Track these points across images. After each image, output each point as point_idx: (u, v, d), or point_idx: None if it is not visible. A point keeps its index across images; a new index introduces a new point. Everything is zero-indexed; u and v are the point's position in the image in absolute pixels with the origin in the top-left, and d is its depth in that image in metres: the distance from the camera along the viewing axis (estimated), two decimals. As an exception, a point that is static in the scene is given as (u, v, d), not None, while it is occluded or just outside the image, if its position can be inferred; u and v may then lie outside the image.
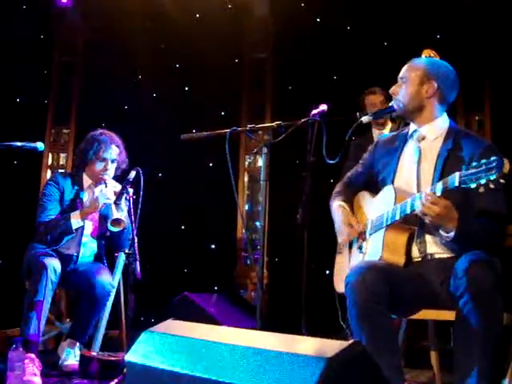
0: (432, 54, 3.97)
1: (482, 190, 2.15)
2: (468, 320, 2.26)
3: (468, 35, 5.34)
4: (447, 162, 2.57)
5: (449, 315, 2.45)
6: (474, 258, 2.33)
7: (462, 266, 2.31)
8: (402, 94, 2.74)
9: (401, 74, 2.78)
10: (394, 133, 3.01)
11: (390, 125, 4.51)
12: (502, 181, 2.10)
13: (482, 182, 2.12)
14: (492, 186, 2.12)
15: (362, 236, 2.83)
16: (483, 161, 2.14)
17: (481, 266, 2.28)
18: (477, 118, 5.31)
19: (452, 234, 2.37)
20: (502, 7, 5.11)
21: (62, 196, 3.84)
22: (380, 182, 2.85)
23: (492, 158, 2.12)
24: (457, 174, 2.23)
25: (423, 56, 3.94)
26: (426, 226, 2.58)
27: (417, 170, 2.68)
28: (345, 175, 4.40)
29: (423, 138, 2.73)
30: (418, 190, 2.58)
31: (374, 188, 2.89)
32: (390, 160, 2.82)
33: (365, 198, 2.94)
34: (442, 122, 2.74)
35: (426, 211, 2.34)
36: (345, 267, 2.88)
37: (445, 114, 2.76)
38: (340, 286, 2.71)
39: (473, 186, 2.16)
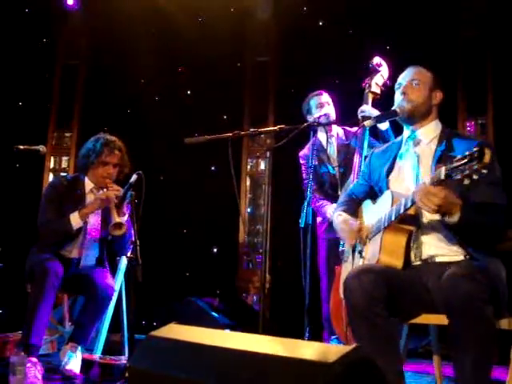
0: (382, 62, 4.11)
1: (466, 181, 2.15)
2: (457, 333, 2.25)
3: (470, 39, 5.34)
4: (441, 163, 2.57)
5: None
6: (459, 271, 2.32)
7: (448, 280, 2.31)
8: (416, 94, 2.75)
9: (411, 77, 2.79)
10: (388, 143, 3.03)
11: (336, 129, 4.48)
12: (483, 171, 2.11)
13: (466, 172, 2.14)
14: (475, 176, 2.13)
15: (363, 242, 2.84)
16: (466, 152, 2.17)
17: (466, 279, 2.25)
18: (480, 121, 5.30)
19: (456, 219, 2.36)
20: (504, 10, 5.11)
21: (62, 200, 3.83)
22: (378, 191, 2.87)
23: (474, 149, 2.14)
24: (443, 167, 2.26)
25: (374, 62, 4.08)
26: (423, 227, 2.59)
27: (416, 174, 2.69)
28: (307, 186, 4.37)
29: (419, 143, 2.77)
30: None
31: (375, 197, 2.91)
32: (384, 170, 2.85)
33: (367, 205, 2.95)
34: (436, 125, 2.79)
35: (427, 204, 2.33)
36: None
37: (438, 119, 2.81)
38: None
39: (458, 177, 2.18)
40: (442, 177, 2.25)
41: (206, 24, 6.08)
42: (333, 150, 4.41)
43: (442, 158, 2.60)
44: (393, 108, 2.83)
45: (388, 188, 2.77)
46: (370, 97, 4.02)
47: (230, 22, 5.92)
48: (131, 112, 6.32)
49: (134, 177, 3.52)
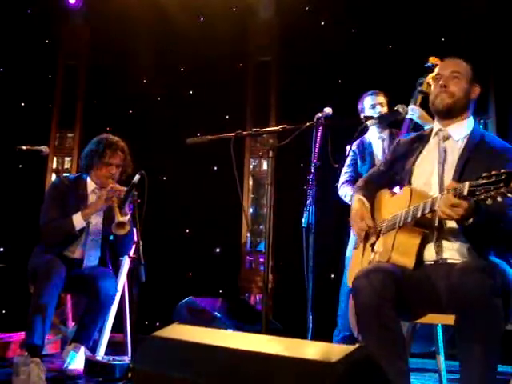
0: (438, 62, 4.03)
1: (489, 201, 2.13)
2: (464, 329, 2.25)
3: (472, 38, 5.33)
4: (467, 166, 2.53)
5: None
6: (466, 266, 2.31)
7: (455, 275, 2.30)
8: (457, 87, 2.66)
9: (453, 68, 2.69)
10: (416, 133, 2.96)
11: (387, 129, 4.45)
12: (509, 195, 2.08)
13: (490, 193, 2.11)
14: (499, 198, 2.10)
15: (375, 234, 2.80)
16: (493, 172, 2.12)
17: (473, 274, 2.24)
18: (482, 121, 5.29)
19: (471, 220, 2.32)
20: (505, 10, 5.11)
21: (65, 200, 3.84)
22: (398, 182, 2.83)
23: (502, 171, 2.10)
24: (467, 183, 2.21)
25: (430, 62, 3.97)
26: (438, 231, 2.56)
27: (441, 170, 2.64)
28: (343, 179, 4.38)
29: (448, 138, 2.70)
30: (441, 191, 2.53)
31: (395, 187, 2.87)
32: (407, 161, 2.78)
33: (385, 196, 2.89)
34: (469, 123, 2.71)
35: (450, 214, 2.30)
36: (358, 263, 2.85)
37: (472, 117, 2.74)
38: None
39: (481, 196, 2.14)
40: (465, 192, 2.20)
41: (208, 23, 6.08)
42: (378, 150, 4.38)
43: (470, 161, 2.55)
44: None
45: (410, 180, 2.72)
46: (420, 96, 3.94)
47: (231, 21, 5.92)
48: (133, 112, 6.33)
49: (137, 177, 3.52)
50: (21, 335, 3.89)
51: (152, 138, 5.95)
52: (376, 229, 2.79)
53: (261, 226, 5.96)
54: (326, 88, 4.74)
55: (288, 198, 4.94)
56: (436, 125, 2.78)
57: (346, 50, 5.55)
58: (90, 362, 3.58)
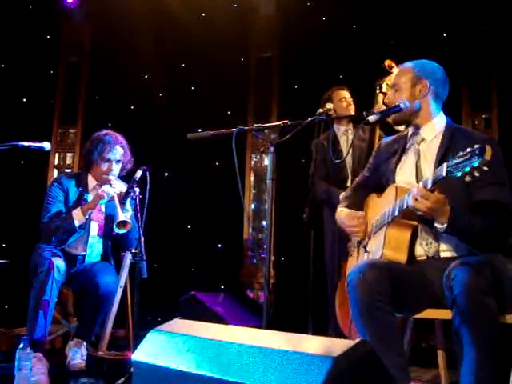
0: (393, 65, 4.13)
1: (468, 178, 2.17)
2: (460, 326, 2.26)
3: (474, 34, 5.32)
4: (444, 160, 2.57)
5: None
6: (461, 263, 2.32)
7: (450, 272, 2.32)
8: (398, 100, 2.74)
9: (392, 82, 2.82)
10: (395, 136, 3.01)
11: (350, 125, 4.48)
12: (485, 168, 2.13)
13: (467, 169, 2.15)
14: (476, 173, 2.14)
15: (367, 236, 2.84)
16: (468, 149, 2.17)
17: (468, 271, 2.26)
18: (484, 116, 5.29)
19: (445, 226, 2.39)
20: (506, 5, 5.10)
21: (66, 197, 3.83)
22: (384, 184, 2.86)
23: (475, 146, 2.15)
24: (444, 164, 2.26)
25: (386, 64, 4.08)
26: (426, 223, 2.58)
27: (416, 171, 2.70)
28: (315, 174, 4.37)
29: (422, 140, 2.75)
30: None
31: (382, 190, 2.90)
32: (390, 163, 2.84)
33: (373, 199, 2.95)
34: (439, 121, 2.76)
35: (418, 206, 2.37)
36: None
37: (441, 113, 2.79)
38: None
39: (458, 174, 2.18)
40: (444, 173, 2.25)
41: (209, 19, 6.08)
42: (344, 144, 4.42)
43: (445, 155, 2.60)
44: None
45: (394, 181, 2.77)
46: (381, 98, 4.02)
47: (233, 17, 5.92)
48: (135, 108, 6.33)
49: (139, 173, 3.52)
50: (23, 330, 3.90)
51: (154, 134, 5.95)
52: (368, 230, 2.84)
53: (262, 222, 5.96)
54: (328, 83, 4.73)
55: (290, 193, 4.94)
56: (410, 128, 2.85)
57: (347, 45, 5.55)
58: (92, 358, 3.59)
